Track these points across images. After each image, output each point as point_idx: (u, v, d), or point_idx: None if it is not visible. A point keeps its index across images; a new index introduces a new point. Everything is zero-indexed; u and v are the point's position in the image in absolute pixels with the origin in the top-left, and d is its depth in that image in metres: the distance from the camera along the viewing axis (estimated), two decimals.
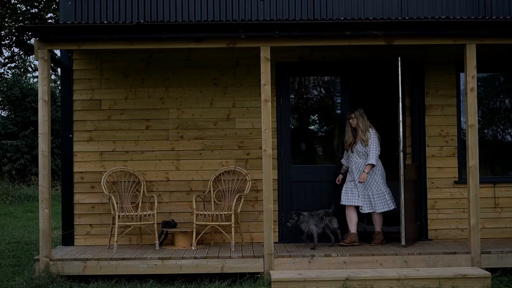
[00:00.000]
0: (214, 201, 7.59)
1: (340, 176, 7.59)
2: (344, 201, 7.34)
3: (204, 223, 7.24)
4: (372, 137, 7.30)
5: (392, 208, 7.35)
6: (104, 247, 7.34)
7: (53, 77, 22.54)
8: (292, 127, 7.99)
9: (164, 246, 7.34)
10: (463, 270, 6.40)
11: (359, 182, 7.24)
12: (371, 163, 7.19)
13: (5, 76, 23.50)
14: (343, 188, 7.40)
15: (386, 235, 8.03)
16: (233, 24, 6.54)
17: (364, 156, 7.30)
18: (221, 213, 7.22)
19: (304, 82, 8.17)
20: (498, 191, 7.80)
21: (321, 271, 6.42)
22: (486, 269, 6.54)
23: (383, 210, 7.31)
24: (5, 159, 18.83)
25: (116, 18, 7.91)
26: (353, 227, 7.33)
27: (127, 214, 7.21)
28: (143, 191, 7.57)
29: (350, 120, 7.41)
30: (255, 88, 7.59)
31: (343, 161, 7.60)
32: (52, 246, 7.18)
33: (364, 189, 7.30)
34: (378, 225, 7.41)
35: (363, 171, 7.22)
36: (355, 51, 7.71)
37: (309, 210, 7.38)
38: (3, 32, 22.74)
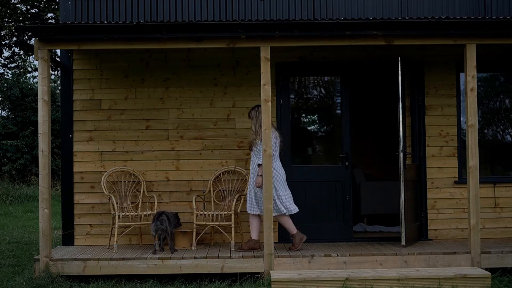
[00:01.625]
0: (214, 201, 7.59)
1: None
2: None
3: (204, 223, 7.24)
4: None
5: (283, 213, 6.88)
6: (104, 247, 7.34)
7: (53, 77, 22.53)
8: (292, 127, 7.98)
9: (164, 246, 7.34)
10: (463, 270, 6.40)
11: (256, 186, 6.88)
12: (261, 163, 6.76)
13: (5, 76, 23.50)
14: None
15: (386, 235, 8.05)
16: (233, 24, 6.53)
17: (258, 157, 6.90)
18: (221, 213, 7.22)
19: (304, 82, 8.17)
20: (498, 191, 7.79)
21: (321, 271, 6.41)
22: (486, 269, 6.54)
23: (273, 215, 6.78)
24: (5, 159, 18.82)
25: (116, 18, 7.92)
26: (253, 233, 7.03)
27: (127, 214, 7.21)
28: (143, 191, 7.57)
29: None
30: (255, 88, 7.59)
31: None
32: (52, 246, 7.18)
33: (260, 191, 6.87)
34: (290, 229, 6.94)
35: (258, 174, 6.84)
36: (355, 51, 7.70)
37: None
38: (3, 32, 22.74)
